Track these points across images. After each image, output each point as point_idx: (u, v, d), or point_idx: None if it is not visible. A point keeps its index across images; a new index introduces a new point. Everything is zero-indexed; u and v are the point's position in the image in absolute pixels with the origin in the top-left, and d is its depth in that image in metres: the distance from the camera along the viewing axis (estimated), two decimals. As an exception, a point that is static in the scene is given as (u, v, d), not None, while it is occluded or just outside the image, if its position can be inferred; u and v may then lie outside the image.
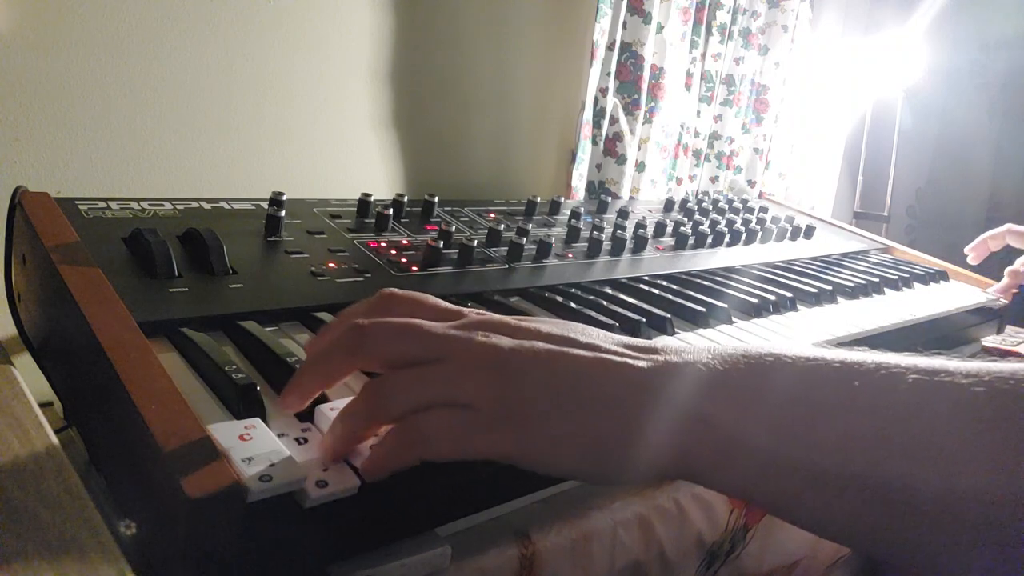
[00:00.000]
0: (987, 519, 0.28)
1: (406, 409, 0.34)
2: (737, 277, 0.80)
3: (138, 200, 0.60)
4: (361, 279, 0.57)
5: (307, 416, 0.38)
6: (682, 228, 0.89)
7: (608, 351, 0.36)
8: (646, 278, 0.73)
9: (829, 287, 0.80)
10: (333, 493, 0.32)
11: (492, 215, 0.80)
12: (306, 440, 0.36)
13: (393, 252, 0.63)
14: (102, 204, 0.58)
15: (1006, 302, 0.96)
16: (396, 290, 0.40)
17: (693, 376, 0.34)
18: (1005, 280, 1.00)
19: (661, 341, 0.38)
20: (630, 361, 0.35)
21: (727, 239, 0.93)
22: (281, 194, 0.62)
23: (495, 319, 0.37)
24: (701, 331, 0.61)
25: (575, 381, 0.34)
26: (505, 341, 0.35)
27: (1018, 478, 0.28)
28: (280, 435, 0.36)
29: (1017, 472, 0.28)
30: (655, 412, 0.34)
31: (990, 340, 0.98)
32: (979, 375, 0.30)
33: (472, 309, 0.40)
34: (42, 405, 0.41)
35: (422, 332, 0.35)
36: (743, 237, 0.96)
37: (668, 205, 1.05)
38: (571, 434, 0.34)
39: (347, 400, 0.36)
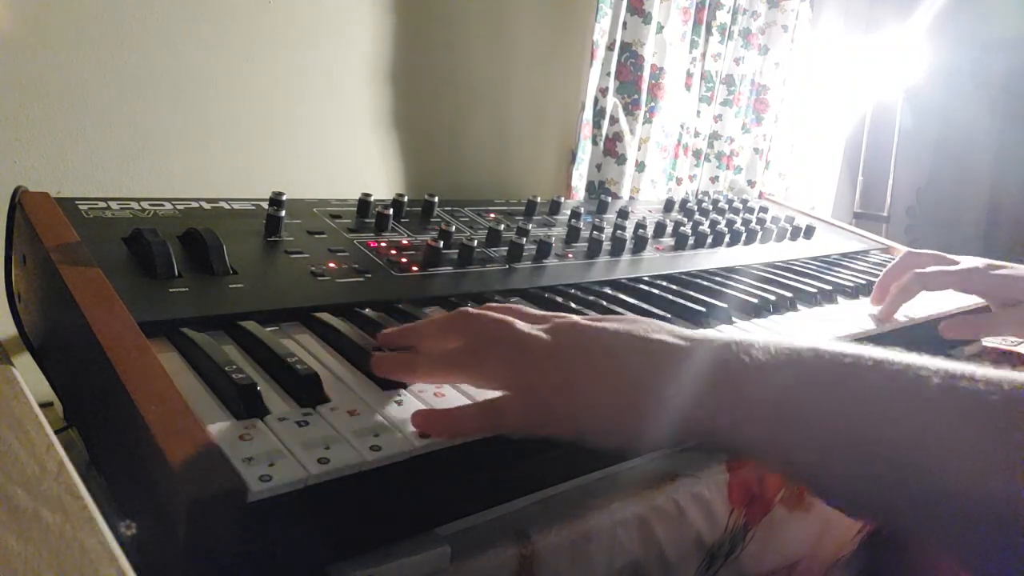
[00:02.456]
0: (997, 519, 0.30)
1: (484, 333, 0.41)
2: (737, 277, 0.80)
3: (138, 200, 0.60)
4: (361, 279, 0.57)
5: (307, 401, 0.39)
6: (682, 228, 0.89)
7: (666, 338, 0.40)
8: (646, 278, 0.73)
9: (829, 287, 0.80)
10: (276, 487, 0.32)
11: (492, 215, 0.80)
12: (307, 423, 0.36)
13: (393, 252, 0.64)
14: (102, 204, 0.58)
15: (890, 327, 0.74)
16: (494, 304, 0.47)
17: (736, 364, 0.38)
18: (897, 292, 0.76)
19: (719, 334, 0.42)
20: (681, 344, 0.39)
21: (727, 239, 0.93)
22: (281, 194, 0.62)
23: (571, 320, 0.43)
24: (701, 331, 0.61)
25: (605, 353, 0.39)
26: (584, 326, 0.41)
27: (964, 448, 0.31)
28: (281, 419, 0.36)
29: (964, 442, 0.31)
30: (695, 386, 0.37)
31: (990, 340, 0.98)
32: (1000, 384, 0.32)
33: (558, 314, 0.45)
34: (42, 405, 0.41)
35: (512, 324, 0.42)
36: (743, 237, 0.96)
37: (668, 205, 1.05)
38: (597, 397, 0.38)
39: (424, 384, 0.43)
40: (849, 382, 0.35)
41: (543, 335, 0.41)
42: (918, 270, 0.77)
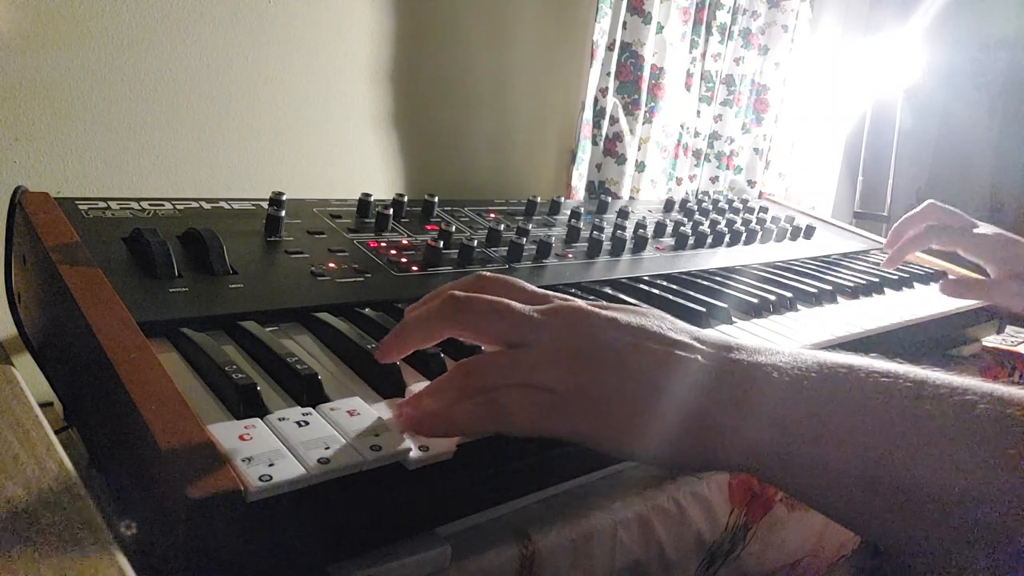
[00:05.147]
0: (982, 520, 0.30)
1: (490, 385, 0.37)
2: (737, 277, 0.80)
3: (138, 200, 0.60)
4: (361, 279, 0.57)
5: (307, 401, 0.39)
6: (682, 228, 0.89)
7: (681, 345, 0.38)
8: (646, 278, 0.73)
9: (829, 287, 0.80)
10: (276, 487, 0.32)
11: (492, 215, 0.80)
12: (307, 423, 0.36)
13: (393, 252, 0.63)
14: (102, 204, 0.58)
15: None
16: (488, 273, 0.43)
17: (761, 380, 0.36)
18: (910, 239, 0.81)
19: (738, 340, 0.39)
20: (701, 359, 0.37)
21: (727, 239, 0.93)
22: (281, 194, 0.62)
23: (576, 306, 0.40)
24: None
25: (646, 373, 0.37)
26: (585, 331, 0.38)
27: (1010, 484, 0.30)
28: (281, 419, 0.36)
29: (1010, 480, 0.30)
30: (720, 410, 0.36)
31: (990, 340, 0.98)
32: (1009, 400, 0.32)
33: (558, 295, 0.42)
34: (42, 405, 0.41)
35: (512, 312, 0.38)
36: (743, 237, 0.96)
37: (668, 205, 1.04)
38: (639, 423, 0.36)
39: (425, 382, 0.42)
40: (883, 404, 0.34)
41: (548, 327, 0.38)
42: (932, 223, 0.80)
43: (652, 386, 0.36)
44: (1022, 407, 0.32)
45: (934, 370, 0.35)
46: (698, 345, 0.38)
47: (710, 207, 1.06)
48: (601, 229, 0.78)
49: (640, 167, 1.22)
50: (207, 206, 0.63)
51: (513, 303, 0.39)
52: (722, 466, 0.37)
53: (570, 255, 0.75)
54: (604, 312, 0.39)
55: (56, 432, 0.37)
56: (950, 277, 0.81)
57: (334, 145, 0.91)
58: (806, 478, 0.35)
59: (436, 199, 0.77)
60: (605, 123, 1.14)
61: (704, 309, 0.64)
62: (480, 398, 0.37)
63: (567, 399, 0.36)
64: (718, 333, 0.40)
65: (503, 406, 0.37)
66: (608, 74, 1.12)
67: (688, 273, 0.78)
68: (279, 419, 0.36)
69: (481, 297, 0.39)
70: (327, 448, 0.35)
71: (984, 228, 0.82)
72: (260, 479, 0.31)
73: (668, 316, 0.41)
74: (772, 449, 0.35)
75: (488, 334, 0.39)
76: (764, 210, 1.12)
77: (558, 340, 0.37)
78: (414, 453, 0.36)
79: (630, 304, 0.43)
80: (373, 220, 0.68)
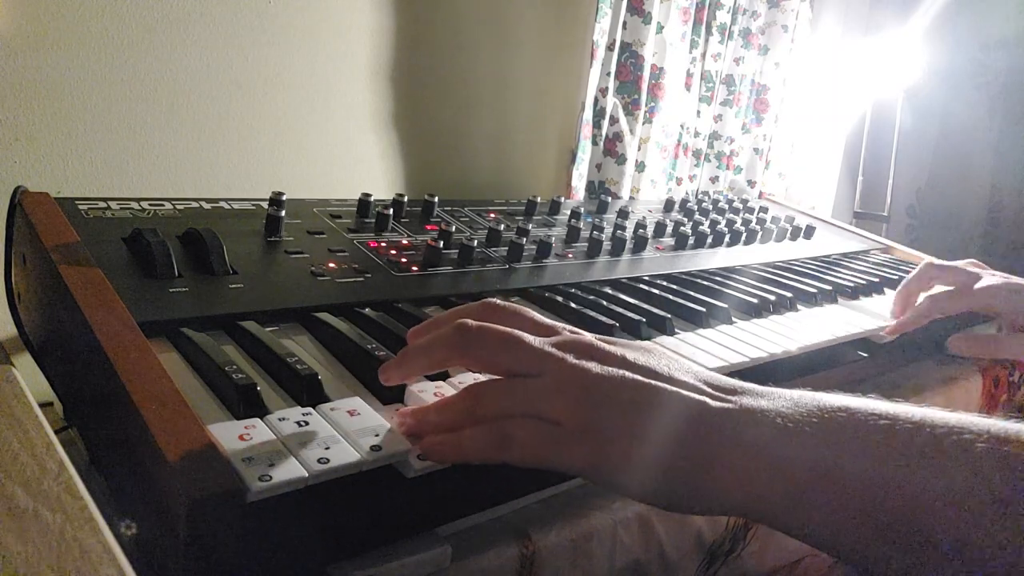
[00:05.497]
0: (985, 559, 0.30)
1: (498, 414, 0.37)
2: (737, 277, 0.80)
3: (138, 200, 0.60)
4: (361, 279, 0.57)
5: (307, 401, 0.39)
6: (682, 228, 0.89)
7: (687, 386, 0.38)
8: (646, 278, 0.73)
9: (829, 287, 0.80)
10: (276, 487, 0.32)
11: (492, 215, 0.80)
12: (307, 423, 0.36)
13: (393, 252, 0.63)
14: (102, 204, 0.58)
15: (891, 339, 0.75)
16: (498, 301, 0.43)
17: (766, 425, 0.36)
18: (912, 315, 0.76)
19: (743, 383, 0.39)
20: (708, 401, 0.37)
21: (727, 239, 0.93)
22: (281, 194, 0.62)
23: (586, 341, 0.40)
24: (701, 331, 0.61)
25: (653, 412, 0.36)
26: (594, 366, 0.38)
27: (1010, 523, 0.30)
28: (281, 419, 0.36)
29: (1010, 518, 0.30)
30: (724, 454, 0.36)
31: (990, 340, 0.98)
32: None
33: (566, 327, 0.42)
34: (42, 405, 0.41)
35: (522, 344, 0.38)
36: (743, 237, 0.96)
37: (668, 205, 1.05)
38: (643, 460, 0.36)
39: (425, 383, 0.42)
40: (883, 446, 0.33)
41: (557, 360, 0.38)
42: (930, 295, 0.76)
43: (654, 424, 0.36)
44: (1020, 443, 0.32)
45: (932, 407, 0.35)
46: (703, 387, 0.38)
47: (710, 207, 1.07)
48: (601, 229, 0.78)
49: (640, 167, 1.22)
50: (207, 206, 0.63)
51: (524, 335, 0.39)
52: (721, 508, 0.37)
53: (570, 255, 0.75)
54: (612, 348, 0.39)
55: (56, 432, 0.37)
56: (958, 334, 0.77)
57: (334, 145, 0.91)
58: (808, 521, 0.35)
59: (436, 199, 0.77)
60: (605, 123, 1.14)
61: (704, 309, 0.64)
62: (487, 426, 0.37)
63: (571, 432, 0.36)
64: (723, 377, 0.40)
65: (509, 435, 0.37)
66: (608, 74, 1.12)
67: (688, 273, 0.78)
68: (279, 419, 0.36)
69: (491, 328, 0.39)
70: (327, 448, 0.35)
71: (988, 279, 0.77)
72: (260, 479, 0.31)
73: (676, 356, 0.41)
74: (773, 492, 0.35)
75: (497, 366, 0.39)
76: (764, 210, 1.12)
77: (566, 373, 0.37)
78: (414, 462, 0.36)
79: (637, 342, 0.42)
80: (373, 220, 0.69)
